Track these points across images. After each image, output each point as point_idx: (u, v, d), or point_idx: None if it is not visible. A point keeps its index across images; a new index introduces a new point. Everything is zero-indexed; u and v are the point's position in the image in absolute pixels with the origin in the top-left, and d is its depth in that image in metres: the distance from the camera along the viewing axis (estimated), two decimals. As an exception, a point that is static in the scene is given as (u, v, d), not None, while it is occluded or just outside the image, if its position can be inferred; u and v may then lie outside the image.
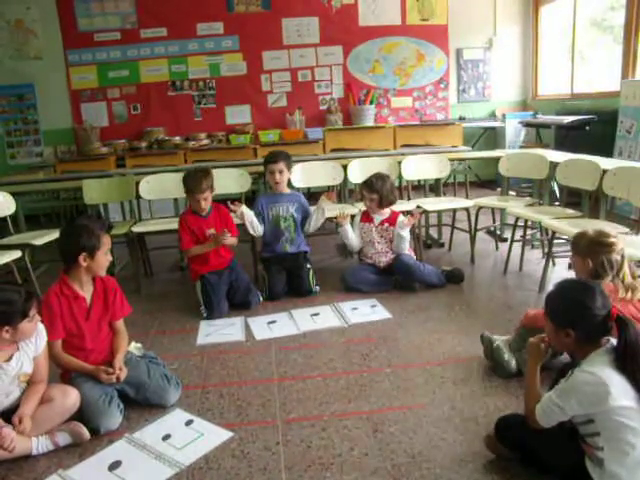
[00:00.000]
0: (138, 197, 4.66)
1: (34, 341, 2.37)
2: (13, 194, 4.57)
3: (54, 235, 4.07)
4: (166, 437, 2.34)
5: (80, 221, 2.66)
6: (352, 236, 4.02)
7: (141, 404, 2.58)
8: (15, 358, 2.31)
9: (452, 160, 5.21)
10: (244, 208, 3.87)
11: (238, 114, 7.71)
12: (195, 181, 3.71)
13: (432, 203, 4.64)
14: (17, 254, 3.79)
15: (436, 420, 2.33)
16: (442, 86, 7.95)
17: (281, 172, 3.98)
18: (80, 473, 2.16)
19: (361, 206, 4.29)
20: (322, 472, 2.05)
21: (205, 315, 3.62)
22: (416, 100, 7.95)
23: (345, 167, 4.83)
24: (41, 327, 2.42)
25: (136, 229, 4.27)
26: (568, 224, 3.56)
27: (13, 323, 2.23)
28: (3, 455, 2.19)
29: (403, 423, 2.33)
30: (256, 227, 3.93)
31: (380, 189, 3.91)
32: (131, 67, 7.61)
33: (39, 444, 2.28)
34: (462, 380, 2.65)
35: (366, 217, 4.05)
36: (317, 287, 3.94)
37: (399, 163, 4.85)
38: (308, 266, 3.97)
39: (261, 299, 3.82)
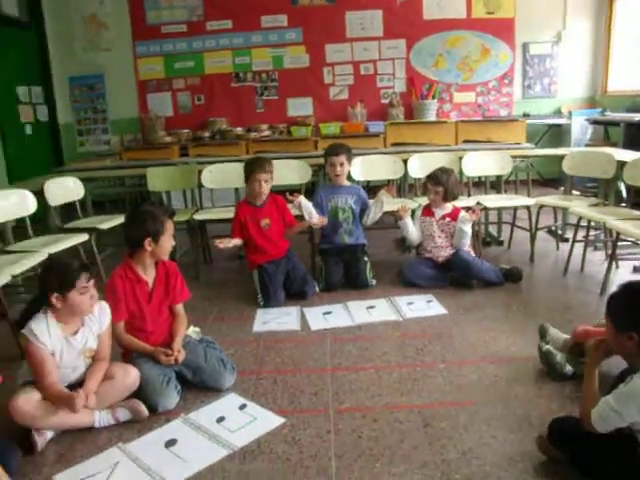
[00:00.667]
0: (200, 186, 4.78)
1: (98, 318, 2.49)
2: (82, 180, 4.77)
3: (119, 220, 4.23)
4: (220, 419, 2.41)
5: (145, 207, 2.75)
6: (412, 229, 4.02)
7: (197, 386, 2.67)
8: (80, 333, 2.43)
9: (514, 157, 5.11)
10: (302, 199, 3.91)
11: (300, 106, 7.76)
12: (259, 161, 3.82)
13: (492, 200, 4.57)
14: (84, 237, 3.96)
15: (488, 418, 2.32)
16: (506, 81, 7.78)
17: (342, 165, 4.01)
18: (138, 447, 2.26)
19: (421, 200, 4.29)
20: (372, 462, 2.07)
21: (262, 304, 3.69)
22: (479, 95, 7.81)
23: (405, 161, 4.81)
24: (105, 306, 2.53)
25: (197, 217, 4.39)
26: (634, 226, 3.46)
27: (62, 291, 2.32)
28: (70, 424, 2.34)
29: (454, 419, 2.32)
30: (316, 218, 3.97)
31: (446, 182, 3.89)
32: (196, 58, 7.76)
33: (101, 418, 2.40)
34: (516, 380, 2.62)
35: (427, 211, 4.03)
36: (373, 280, 3.95)
37: (460, 159, 4.79)
38: (365, 259, 3.98)
39: (317, 289, 3.86)
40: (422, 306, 3.57)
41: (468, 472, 1.99)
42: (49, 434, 2.32)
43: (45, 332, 2.32)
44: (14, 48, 7.27)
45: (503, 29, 7.62)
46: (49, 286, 2.34)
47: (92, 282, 2.41)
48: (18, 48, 7.38)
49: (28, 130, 7.56)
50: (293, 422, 2.36)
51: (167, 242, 2.70)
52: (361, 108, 7.45)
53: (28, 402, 2.26)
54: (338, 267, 3.94)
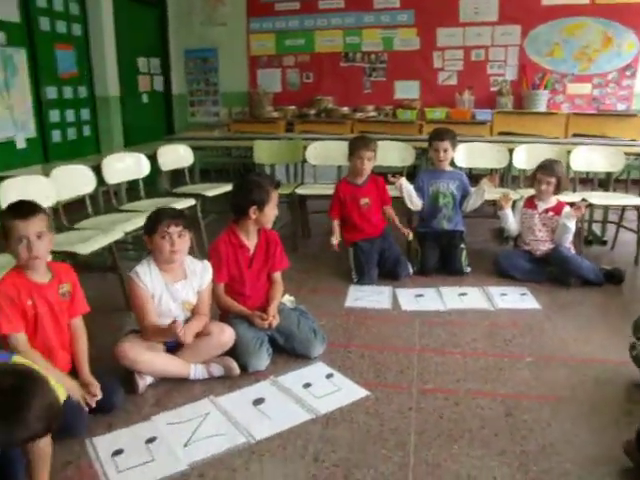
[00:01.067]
0: (304, 161, 4.90)
1: (200, 275, 2.65)
2: (192, 148, 5.02)
3: (224, 189, 4.42)
4: (307, 385, 2.52)
5: (252, 177, 2.89)
6: (511, 220, 3.96)
7: (288, 352, 2.79)
8: (181, 284, 2.60)
9: (628, 155, 4.88)
10: (404, 181, 3.94)
11: (407, 89, 7.70)
12: (364, 139, 3.89)
13: (599, 197, 4.41)
14: (191, 202, 4.17)
15: (573, 416, 2.29)
16: (628, 73, 7.32)
17: (446, 150, 3.99)
18: (228, 402, 2.41)
19: (523, 192, 4.21)
20: (450, 443, 2.11)
21: (355, 280, 3.76)
22: (595, 87, 7.40)
23: (511, 151, 4.72)
24: (208, 265, 2.70)
25: (299, 191, 4.52)
26: None
27: (150, 233, 2.53)
28: (168, 373, 2.54)
29: (538, 412, 2.31)
30: (415, 201, 3.99)
31: (559, 173, 3.80)
32: (307, 37, 7.87)
33: (196, 371, 2.57)
34: (606, 381, 2.56)
35: (530, 203, 3.95)
36: (468, 268, 3.93)
37: (568, 152, 4.64)
38: (462, 246, 3.97)
39: (411, 271, 3.89)
40: (515, 298, 3.52)
41: (547, 466, 1.98)
42: (149, 379, 2.51)
43: (147, 274, 2.52)
44: (139, 22, 7.69)
45: (631, 16, 7.06)
46: (145, 231, 2.58)
47: (176, 230, 2.51)
48: (142, 22, 7.79)
49: (145, 99, 7.98)
50: (377, 396, 2.43)
51: (271, 211, 2.81)
52: (469, 95, 7.29)
53: (132, 347, 2.46)
54: (434, 252, 3.95)
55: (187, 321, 2.62)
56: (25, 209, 2.25)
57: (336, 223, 3.94)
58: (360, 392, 2.46)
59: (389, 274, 3.84)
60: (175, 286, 2.59)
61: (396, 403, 2.38)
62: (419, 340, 2.96)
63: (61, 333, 2.35)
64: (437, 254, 3.96)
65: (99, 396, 2.27)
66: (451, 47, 7.56)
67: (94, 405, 2.25)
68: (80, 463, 2.05)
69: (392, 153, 4.72)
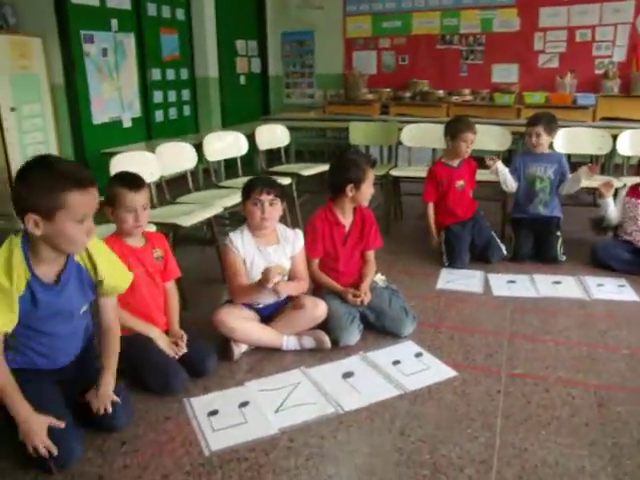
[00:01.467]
0: (398, 144, 4.91)
1: (292, 241, 2.75)
2: (288, 128, 5.13)
3: (319, 169, 4.51)
4: (396, 362, 2.56)
5: (349, 155, 2.94)
6: (612, 209, 3.80)
7: (378, 330, 2.84)
8: (273, 249, 2.70)
9: None
10: (499, 164, 3.88)
11: (504, 73, 7.45)
12: (468, 121, 3.86)
13: None
14: (287, 181, 4.27)
15: (673, 412, 2.20)
16: None
17: (538, 135, 3.85)
18: (318, 373, 2.50)
19: (626, 180, 4.03)
20: (538, 428, 2.09)
21: (446, 264, 3.75)
22: None
23: (615, 137, 4.53)
24: (299, 232, 2.80)
25: (394, 172, 4.54)
26: None
27: (244, 200, 2.65)
28: (262, 342, 2.66)
29: (633, 406, 2.24)
30: (510, 183, 3.92)
31: None
32: (404, 18, 7.78)
33: (288, 342, 2.67)
34: None
35: (634, 192, 3.76)
36: (563, 256, 3.81)
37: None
38: (558, 233, 3.85)
39: (505, 253, 3.83)
40: (613, 289, 3.40)
41: (641, 462, 1.93)
42: (243, 347, 2.64)
43: (239, 239, 2.64)
44: (239, 6, 7.89)
45: None
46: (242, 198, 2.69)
47: (268, 198, 2.59)
48: (241, 6, 7.99)
49: (242, 80, 8.20)
50: (465, 377, 2.44)
51: (367, 189, 2.85)
52: (571, 78, 6.96)
53: (229, 315, 2.59)
54: (528, 239, 3.86)
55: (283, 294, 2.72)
56: (136, 181, 2.45)
57: (431, 208, 3.93)
58: (448, 372, 2.48)
59: (481, 257, 3.81)
60: (267, 249, 2.69)
61: (484, 385, 2.38)
62: (510, 325, 2.93)
63: (157, 295, 2.54)
64: (531, 241, 3.86)
65: (184, 348, 2.44)
66: (554, 28, 7.20)
67: (180, 354, 2.43)
68: (179, 419, 2.19)
69: (488, 137, 4.63)
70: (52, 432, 1.85)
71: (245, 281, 2.63)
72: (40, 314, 1.87)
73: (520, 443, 2.01)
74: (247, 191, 2.64)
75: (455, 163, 3.90)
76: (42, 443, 1.80)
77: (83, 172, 1.78)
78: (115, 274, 2.08)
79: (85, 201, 1.74)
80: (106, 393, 2.05)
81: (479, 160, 4.03)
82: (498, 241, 3.85)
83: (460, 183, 3.88)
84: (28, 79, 5.21)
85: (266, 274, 2.45)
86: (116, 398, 2.05)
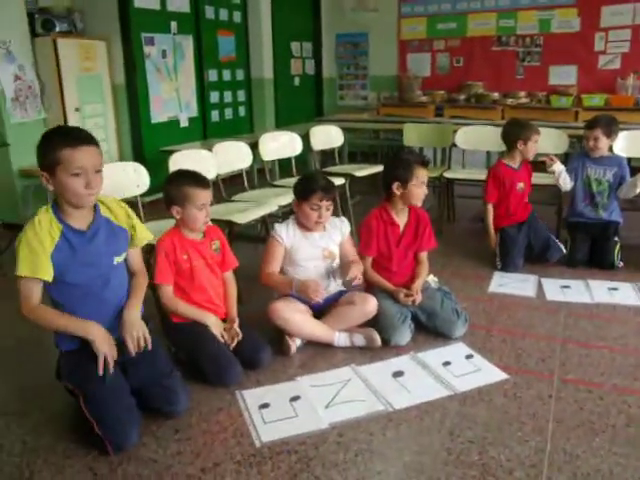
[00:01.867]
0: (452, 146, 4.89)
1: (339, 228, 2.82)
2: (342, 129, 5.16)
3: (372, 170, 4.54)
4: (446, 363, 2.56)
5: (401, 154, 2.95)
6: None
7: (429, 330, 2.84)
8: (319, 234, 2.76)
9: None
10: (558, 165, 3.81)
11: (562, 75, 7.27)
12: (533, 125, 3.82)
13: None
14: (340, 181, 4.31)
15: None
16: None
17: (596, 139, 3.74)
18: (368, 371, 2.52)
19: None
20: (591, 435, 2.06)
21: (499, 267, 3.72)
22: None
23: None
24: (345, 220, 2.87)
25: (448, 175, 4.52)
26: None
27: (299, 200, 2.71)
28: (314, 336, 2.70)
29: (696, 419, 2.18)
30: (566, 181, 3.84)
31: None
32: (459, 20, 7.69)
33: (339, 338, 2.71)
34: None
35: None
36: (620, 262, 3.71)
37: None
38: (616, 239, 3.75)
39: (564, 251, 3.76)
40: (672, 298, 3.31)
41: None
42: (298, 342, 2.68)
43: (284, 229, 2.73)
44: (294, 8, 7.98)
45: None
46: (294, 192, 2.75)
47: (326, 204, 2.67)
48: (297, 8, 8.07)
49: (296, 82, 8.28)
50: (516, 380, 2.42)
51: (417, 189, 2.84)
52: (634, 79, 6.75)
53: (285, 308, 2.64)
54: (585, 243, 3.77)
55: (332, 278, 2.81)
56: (205, 179, 2.56)
57: (491, 209, 3.88)
58: (499, 375, 2.47)
59: (539, 258, 3.76)
60: (314, 235, 2.76)
61: (535, 389, 2.36)
62: (563, 331, 2.89)
63: (217, 285, 2.63)
64: (588, 246, 3.78)
65: (239, 334, 2.50)
66: (617, 27, 6.94)
67: (234, 340, 2.50)
68: (231, 411, 2.25)
69: (545, 140, 4.50)
70: (111, 417, 1.95)
71: (277, 269, 2.72)
72: (77, 261, 2.00)
73: (572, 449, 1.98)
74: (305, 193, 2.68)
75: (516, 165, 3.85)
76: (111, 353, 2.02)
77: (75, 132, 1.96)
78: (142, 227, 2.27)
79: (77, 156, 1.88)
80: (131, 321, 2.12)
81: (534, 163, 3.97)
82: (557, 241, 3.79)
83: (521, 185, 3.83)
84: (91, 80, 5.41)
85: (304, 289, 2.55)
86: (147, 337, 2.15)
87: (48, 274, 1.95)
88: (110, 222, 2.13)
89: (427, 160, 2.94)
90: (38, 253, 1.92)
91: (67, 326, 2.02)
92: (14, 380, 2.49)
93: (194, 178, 2.51)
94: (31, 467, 1.95)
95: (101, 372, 2.00)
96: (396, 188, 2.84)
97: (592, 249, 3.78)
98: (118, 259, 2.14)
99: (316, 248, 2.74)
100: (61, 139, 1.90)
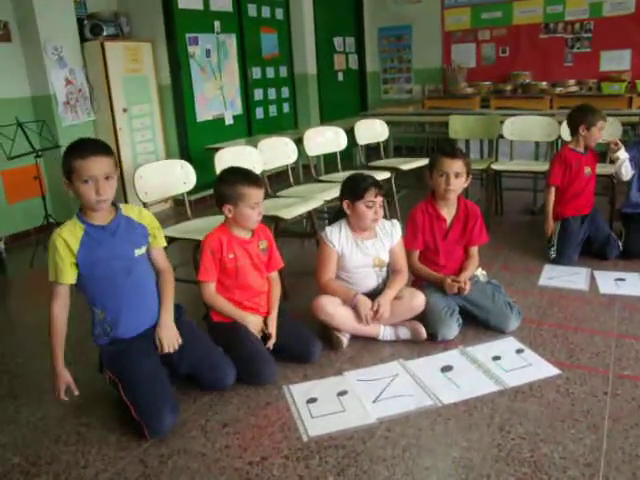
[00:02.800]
0: (499, 137, 4.79)
1: (390, 233, 2.76)
2: (386, 123, 5.13)
3: (418, 163, 4.49)
4: (496, 358, 2.51)
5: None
6: None
7: (477, 324, 2.80)
8: (371, 241, 2.73)
9: None
10: (623, 151, 3.68)
11: (615, 60, 7.01)
12: (598, 110, 3.71)
13: None
14: (386, 175, 4.27)
15: None
16: None
17: None
18: (416, 366, 2.50)
19: None
20: (651, 434, 1.99)
21: (552, 257, 3.62)
22: None
23: None
24: (397, 224, 2.81)
25: (495, 166, 4.43)
26: None
27: (352, 199, 2.64)
28: (359, 330, 2.67)
29: None
30: (627, 170, 3.70)
31: None
32: (504, 8, 7.56)
33: (385, 332, 2.69)
34: None
35: None
36: None
37: None
38: None
39: (621, 248, 3.62)
40: None
41: None
42: (348, 336, 2.67)
43: (336, 233, 2.69)
44: (336, 3, 7.98)
45: None
46: (343, 195, 2.70)
47: (380, 199, 2.64)
48: (339, 3, 8.07)
49: (340, 77, 8.26)
50: (568, 376, 2.36)
51: (439, 179, 2.78)
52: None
53: (329, 302, 2.64)
54: None
55: (380, 281, 2.79)
56: (259, 179, 2.57)
57: (552, 192, 3.75)
58: (551, 370, 2.40)
59: (597, 254, 3.64)
60: (365, 243, 2.71)
61: (589, 385, 2.29)
62: (618, 325, 2.79)
63: (261, 285, 2.62)
64: None
65: (273, 334, 2.52)
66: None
67: (274, 335, 2.52)
68: (278, 405, 2.26)
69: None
70: (146, 402, 2.08)
71: (333, 275, 2.70)
72: (102, 254, 2.16)
73: (630, 449, 1.91)
74: (358, 192, 2.63)
75: (583, 150, 3.75)
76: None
77: (87, 144, 2.11)
78: (159, 230, 2.38)
79: (87, 166, 2.04)
80: (166, 324, 2.29)
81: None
82: (616, 238, 3.66)
83: (588, 170, 3.72)
84: (138, 81, 5.51)
85: (362, 312, 2.58)
86: (179, 340, 2.30)
87: (70, 279, 2.16)
88: (131, 219, 2.27)
89: (453, 152, 2.82)
90: (61, 260, 2.12)
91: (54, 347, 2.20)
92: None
93: (247, 176, 2.50)
94: (86, 457, 2.01)
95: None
96: (429, 177, 2.84)
97: None
98: (138, 251, 2.26)
99: (367, 256, 2.71)
100: (75, 151, 2.08)
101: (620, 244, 3.64)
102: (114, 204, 2.22)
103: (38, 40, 4.62)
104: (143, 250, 2.28)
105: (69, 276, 2.14)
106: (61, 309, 2.18)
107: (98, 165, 2.06)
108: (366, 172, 3.07)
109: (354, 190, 2.65)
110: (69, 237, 2.12)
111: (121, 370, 2.19)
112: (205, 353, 2.34)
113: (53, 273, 2.14)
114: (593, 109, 3.71)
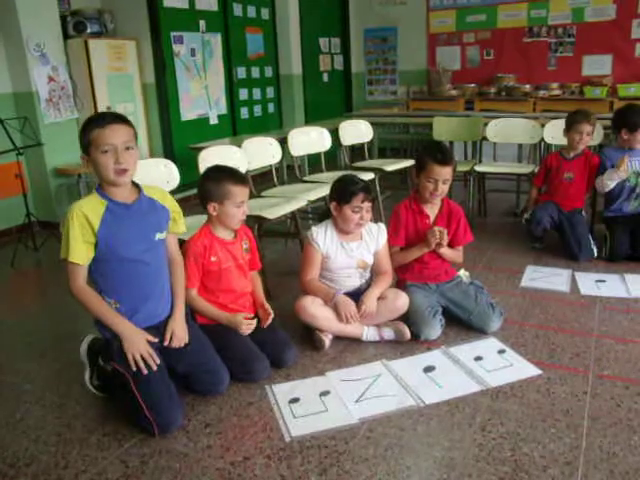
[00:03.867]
0: (482, 139, 4.83)
1: (375, 237, 2.76)
2: (371, 124, 5.14)
3: (402, 164, 4.50)
4: (478, 358, 2.52)
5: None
6: None
7: (459, 324, 2.82)
8: (356, 244, 2.72)
9: None
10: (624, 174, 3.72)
11: (597, 64, 7.12)
12: (585, 113, 3.80)
13: None
14: (370, 176, 4.28)
15: None
16: None
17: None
18: (399, 366, 2.50)
19: None
20: (628, 433, 2.00)
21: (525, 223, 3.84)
22: None
23: None
24: (383, 227, 2.81)
25: (479, 168, 4.46)
26: None
27: (340, 202, 2.63)
28: (341, 331, 2.68)
29: None
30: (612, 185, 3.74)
31: None
32: (489, 12, 7.62)
33: (368, 333, 2.69)
34: None
35: None
36: None
37: None
38: None
39: (595, 254, 3.69)
40: None
41: None
42: (330, 337, 2.67)
43: (321, 235, 2.68)
44: (322, 4, 7.98)
45: None
46: (332, 195, 2.69)
47: (367, 205, 2.63)
48: (324, 4, 8.08)
49: (325, 78, 8.28)
50: (549, 376, 2.38)
51: (424, 181, 2.78)
52: (673, 68, 6.56)
53: (312, 303, 2.64)
54: (625, 237, 3.66)
55: (364, 281, 2.80)
56: (245, 177, 2.55)
57: (534, 191, 4.02)
58: (532, 370, 2.42)
59: (569, 252, 3.72)
60: (350, 245, 2.71)
61: (569, 385, 2.31)
62: (598, 326, 2.83)
63: (244, 286, 2.59)
64: (628, 240, 3.67)
65: (271, 313, 2.50)
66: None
67: (269, 320, 2.51)
68: (261, 405, 2.26)
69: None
70: (160, 400, 2.06)
71: (316, 275, 2.70)
72: (124, 234, 2.09)
73: (609, 447, 1.94)
74: (345, 195, 2.62)
75: (570, 155, 3.83)
76: (144, 352, 2.09)
77: (105, 113, 2.14)
78: (183, 219, 2.35)
79: (105, 134, 1.99)
80: (177, 322, 2.27)
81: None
82: (592, 243, 3.71)
83: (567, 175, 3.81)
84: (122, 79, 5.47)
85: (342, 310, 2.58)
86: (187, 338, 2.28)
87: (81, 258, 2.04)
88: (154, 201, 2.21)
89: (441, 157, 2.76)
90: (74, 238, 2.01)
91: (106, 316, 2.10)
92: (51, 373, 2.53)
93: (234, 175, 2.47)
94: (66, 458, 1.99)
95: (134, 368, 2.06)
96: (415, 176, 2.86)
97: (632, 243, 3.68)
98: (160, 235, 2.21)
99: (351, 258, 2.71)
100: (92, 121, 2.03)
101: (595, 249, 3.70)
102: (136, 184, 2.15)
103: (20, 36, 4.56)
104: (164, 235, 2.23)
105: (79, 255, 2.03)
106: (84, 284, 2.09)
107: (117, 133, 2.00)
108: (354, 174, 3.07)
109: (342, 193, 2.64)
110: (90, 212, 2.03)
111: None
112: (206, 357, 2.30)
113: (64, 250, 2.03)
114: (578, 112, 3.83)
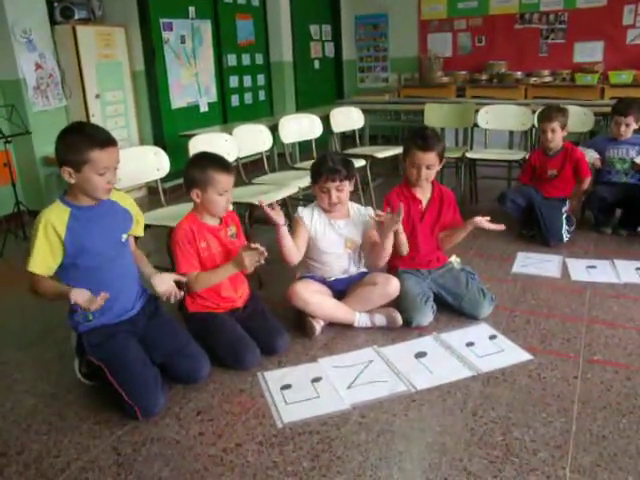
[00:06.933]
0: (474, 126, 4.82)
1: (364, 216, 2.74)
2: (362, 111, 5.12)
3: (393, 151, 4.49)
4: (470, 344, 2.53)
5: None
6: None
7: (451, 311, 2.82)
8: (344, 221, 2.73)
9: None
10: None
11: (588, 51, 7.09)
12: (547, 110, 3.85)
13: None
14: (361, 163, 4.27)
15: None
16: None
17: (628, 125, 3.80)
18: (391, 352, 2.51)
19: None
20: (618, 416, 2.02)
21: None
22: None
23: None
24: (370, 209, 2.77)
25: (470, 155, 4.46)
26: None
27: (313, 182, 2.67)
28: (334, 316, 2.69)
29: None
30: (592, 155, 3.85)
31: None
32: (481, -2, 7.57)
33: (360, 319, 2.69)
34: None
35: None
36: None
37: None
38: None
39: (565, 241, 3.74)
40: (703, 276, 3.23)
41: None
42: (322, 323, 2.67)
43: (309, 213, 2.71)
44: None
45: None
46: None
47: (334, 185, 2.59)
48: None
49: (316, 65, 8.23)
50: (540, 361, 2.39)
51: (410, 169, 2.79)
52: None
53: (304, 289, 2.64)
54: (610, 194, 3.80)
55: (353, 264, 2.80)
56: (230, 165, 2.52)
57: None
58: (523, 355, 2.44)
59: (540, 232, 3.78)
60: (338, 222, 2.72)
61: (560, 370, 2.32)
62: (588, 311, 2.84)
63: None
64: (612, 199, 3.79)
65: (264, 252, 2.37)
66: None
67: (264, 257, 2.39)
68: (252, 392, 2.26)
69: (570, 118, 4.46)
70: (138, 384, 2.07)
71: (301, 253, 2.68)
72: (91, 238, 2.11)
73: (598, 430, 1.95)
74: (313, 176, 2.66)
75: (550, 152, 3.86)
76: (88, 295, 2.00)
77: (101, 133, 2.07)
78: (142, 221, 2.41)
79: (105, 157, 2.02)
80: (161, 277, 2.31)
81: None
82: (564, 230, 3.74)
83: (552, 172, 3.86)
84: (111, 67, 5.42)
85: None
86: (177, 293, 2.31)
87: (41, 269, 2.06)
88: (116, 203, 2.26)
89: (422, 141, 2.74)
90: (38, 248, 2.04)
91: (59, 290, 2.06)
92: (42, 362, 2.51)
93: (219, 162, 2.46)
94: (58, 446, 1.99)
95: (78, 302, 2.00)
96: (403, 159, 2.86)
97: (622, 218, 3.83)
98: (125, 236, 2.27)
99: (340, 236, 2.71)
100: (89, 140, 2.01)
101: (565, 237, 3.74)
102: None
103: (5, 22, 4.48)
104: (127, 235, 2.28)
105: (46, 266, 2.07)
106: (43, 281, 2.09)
107: (113, 156, 2.06)
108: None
109: (312, 173, 2.68)
110: (56, 220, 2.05)
111: (109, 355, 2.14)
112: (181, 343, 2.30)
113: (28, 260, 2.05)
114: (543, 111, 3.89)
